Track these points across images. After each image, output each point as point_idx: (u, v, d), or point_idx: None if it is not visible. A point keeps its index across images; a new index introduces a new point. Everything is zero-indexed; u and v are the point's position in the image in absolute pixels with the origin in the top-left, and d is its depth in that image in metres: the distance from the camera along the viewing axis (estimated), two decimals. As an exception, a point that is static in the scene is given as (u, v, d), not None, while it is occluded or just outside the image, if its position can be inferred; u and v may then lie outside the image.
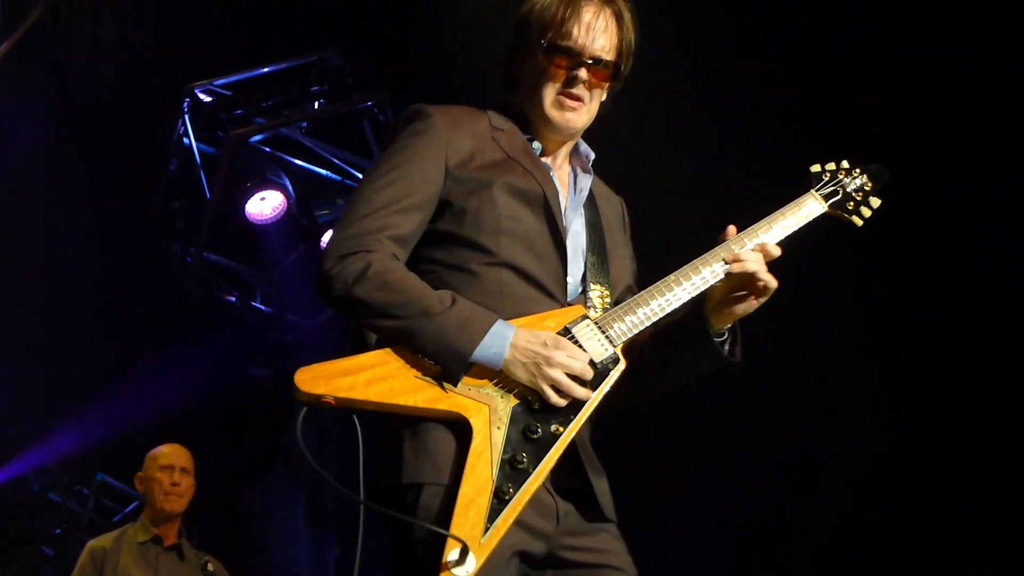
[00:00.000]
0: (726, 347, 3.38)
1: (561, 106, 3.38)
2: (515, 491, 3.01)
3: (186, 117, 8.16)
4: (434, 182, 3.25)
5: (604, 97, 3.47)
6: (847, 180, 3.57)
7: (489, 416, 3.07)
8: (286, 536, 9.56)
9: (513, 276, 3.22)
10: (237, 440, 9.28)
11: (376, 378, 3.07)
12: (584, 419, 3.13)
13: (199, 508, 6.84)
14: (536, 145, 3.44)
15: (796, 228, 3.42)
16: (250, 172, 8.28)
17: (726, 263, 3.28)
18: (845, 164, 3.60)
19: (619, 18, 3.42)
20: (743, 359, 3.40)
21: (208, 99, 8.21)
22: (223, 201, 8.27)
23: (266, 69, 8.30)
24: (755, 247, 3.31)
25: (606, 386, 3.17)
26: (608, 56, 3.39)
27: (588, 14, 3.39)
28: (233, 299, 8.98)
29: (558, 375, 3.08)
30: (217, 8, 8.03)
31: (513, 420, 3.08)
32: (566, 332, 3.18)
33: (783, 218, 3.42)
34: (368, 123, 8.70)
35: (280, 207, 8.36)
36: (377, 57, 8.48)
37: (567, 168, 3.52)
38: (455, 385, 3.08)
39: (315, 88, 8.44)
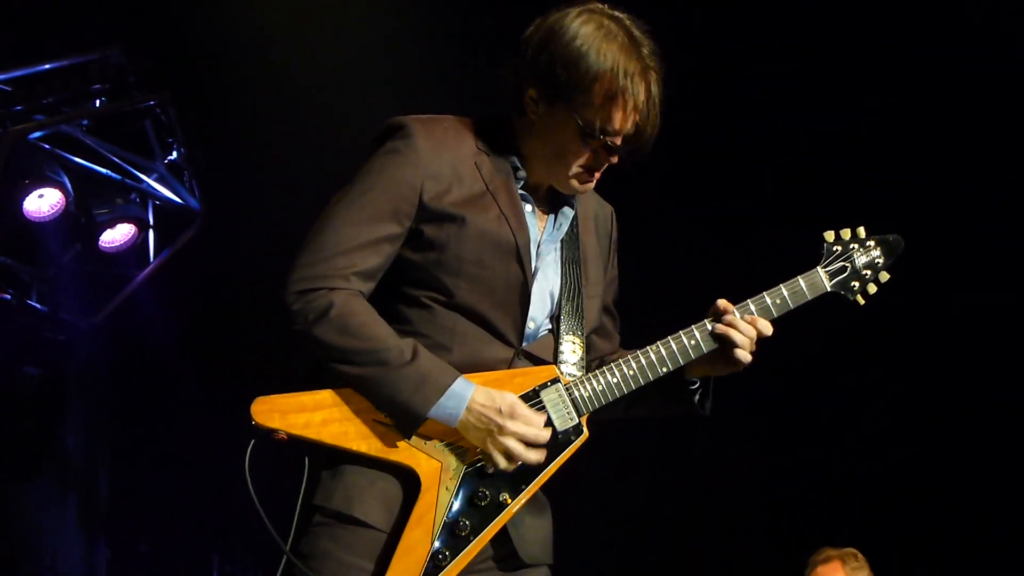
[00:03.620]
0: (697, 397, 3.38)
1: (580, 180, 3.25)
2: (451, 558, 2.98)
3: (-36, 112, 7.97)
4: (406, 214, 3.14)
5: None
6: (858, 254, 3.46)
7: (440, 475, 3.02)
8: (56, 538, 9.38)
9: (466, 320, 3.12)
10: (7, 440, 9.08)
11: (332, 419, 3.02)
12: (535, 491, 3.08)
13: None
14: (521, 175, 3.29)
15: (794, 307, 3.34)
16: (28, 169, 8.11)
17: (715, 331, 3.22)
18: (861, 233, 3.49)
19: (660, 101, 3.22)
20: (710, 415, 3.38)
21: (-14, 94, 8.05)
22: (0, 198, 8.11)
23: (47, 66, 8.12)
24: (749, 320, 3.24)
25: (563, 458, 3.11)
26: (638, 134, 3.21)
27: (639, 99, 3.16)
28: (8, 297, 8.80)
29: (511, 443, 3.00)
30: (-3, 2, 7.88)
31: (463, 482, 3.03)
32: (534, 394, 3.13)
33: (784, 294, 3.33)
34: (150, 122, 8.64)
35: (58, 205, 8.22)
36: (160, 57, 8.43)
37: (550, 196, 3.38)
38: (408, 439, 3.01)
39: (97, 86, 8.33)
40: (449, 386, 3.01)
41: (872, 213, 3.67)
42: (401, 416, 3.01)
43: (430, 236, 3.14)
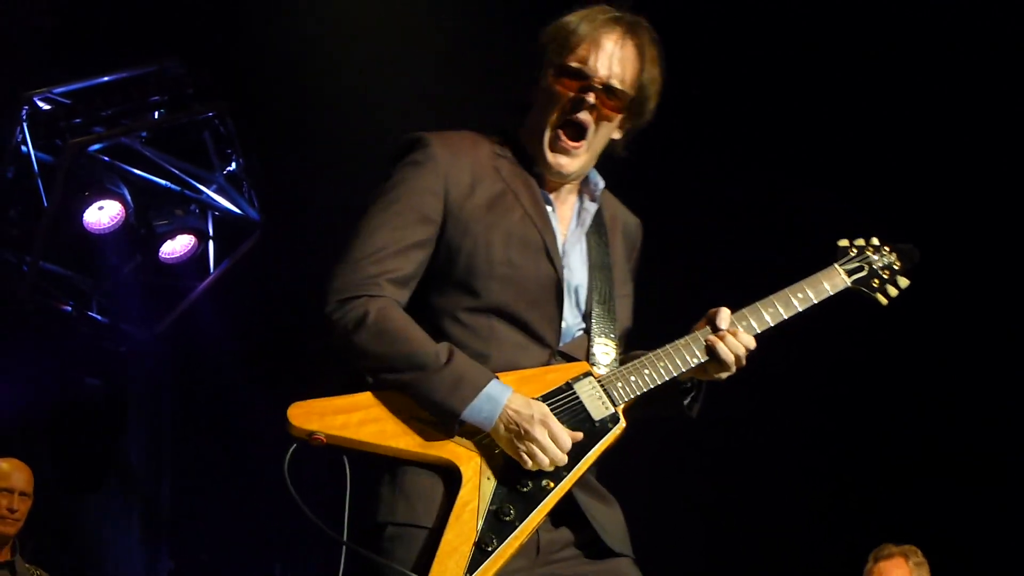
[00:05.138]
0: (687, 399, 3.38)
1: (554, 146, 3.26)
2: (498, 543, 2.97)
3: (24, 125, 8.02)
4: (432, 221, 3.17)
5: (615, 134, 3.34)
6: (875, 257, 3.49)
7: (480, 466, 3.04)
8: (119, 549, 9.44)
9: (502, 322, 3.16)
10: (69, 451, 9.15)
11: (369, 419, 3.04)
12: (577, 477, 3.08)
13: (31, 521, 6.76)
14: (537, 171, 3.31)
15: (816, 302, 3.34)
16: (88, 181, 8.19)
17: (708, 341, 3.24)
18: (875, 241, 3.51)
19: (641, 51, 3.27)
20: (697, 418, 3.38)
21: (47, 107, 8.10)
22: (60, 210, 8.17)
23: (106, 78, 8.21)
24: (741, 337, 3.24)
25: (603, 446, 3.12)
26: (621, 85, 3.23)
27: (608, 41, 3.23)
28: (69, 308, 8.87)
29: (537, 453, 3.01)
30: (57, 16, 7.93)
31: (504, 472, 3.04)
32: (567, 387, 3.15)
33: (802, 291, 3.35)
34: (208, 134, 8.69)
35: (118, 217, 8.30)
36: (218, 68, 8.47)
37: (573, 198, 3.40)
38: (449, 435, 3.03)
39: (155, 98, 8.39)
40: (484, 386, 3.03)
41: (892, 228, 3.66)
42: (440, 417, 3.04)
43: (457, 243, 3.17)
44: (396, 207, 3.17)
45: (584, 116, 3.24)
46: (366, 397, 3.08)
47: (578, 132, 3.26)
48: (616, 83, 3.23)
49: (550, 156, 3.27)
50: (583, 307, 3.29)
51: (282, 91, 8.41)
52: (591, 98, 3.22)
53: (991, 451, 7.04)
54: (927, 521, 6.94)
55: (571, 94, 3.23)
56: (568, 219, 3.37)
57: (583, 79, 3.22)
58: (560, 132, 3.25)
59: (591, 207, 3.38)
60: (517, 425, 3.01)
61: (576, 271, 3.30)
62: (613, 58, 3.22)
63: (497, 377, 3.07)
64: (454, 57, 7.74)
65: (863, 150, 7.08)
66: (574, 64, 3.21)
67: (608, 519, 3.22)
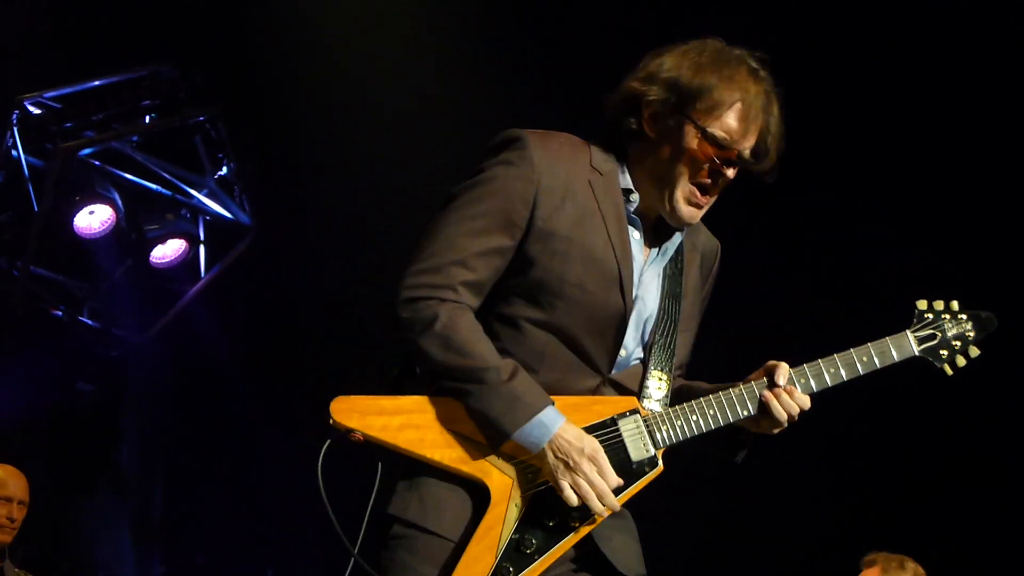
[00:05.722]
0: (734, 449, 3.36)
1: (690, 202, 3.20)
2: (515, 573, 2.97)
3: (14, 129, 8.01)
4: (517, 227, 3.11)
5: None
6: (949, 325, 3.41)
7: (510, 491, 3.02)
8: (111, 553, 9.42)
9: (558, 342, 3.12)
10: (62, 456, 9.14)
11: (410, 424, 3.03)
12: (604, 518, 3.05)
13: (23, 525, 6.75)
14: (633, 198, 3.23)
15: (879, 367, 3.30)
16: (79, 185, 8.18)
17: (763, 397, 3.21)
18: (954, 306, 3.44)
19: (778, 123, 3.20)
20: (741, 464, 3.37)
21: (37, 111, 8.09)
22: (51, 214, 8.16)
23: (97, 82, 8.21)
24: (797, 397, 3.21)
25: (636, 488, 3.10)
26: (759, 163, 3.19)
27: (752, 106, 3.15)
28: (60, 313, 8.86)
29: (582, 484, 2.99)
30: (48, 20, 7.93)
31: (533, 501, 3.03)
32: (612, 423, 3.12)
33: (867, 355, 3.30)
34: (200, 138, 8.69)
35: (109, 221, 8.29)
36: (210, 72, 8.47)
37: (660, 224, 3.32)
38: (491, 451, 3.02)
39: (147, 102, 8.38)
40: (538, 413, 3.00)
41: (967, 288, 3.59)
42: (489, 433, 3.02)
43: (536, 253, 3.12)
44: (482, 207, 3.11)
45: (720, 186, 3.21)
46: (411, 402, 3.07)
47: (709, 191, 3.22)
48: (751, 155, 3.19)
49: (684, 209, 3.20)
50: (646, 339, 3.26)
51: (273, 96, 8.42)
52: (730, 172, 3.19)
53: (993, 453, 7.02)
54: (937, 528, 6.92)
55: (713, 163, 3.17)
56: (650, 247, 3.31)
57: (727, 151, 3.16)
58: (694, 188, 3.19)
59: (676, 238, 3.33)
60: (567, 455, 2.99)
61: (648, 302, 3.26)
62: (756, 130, 3.17)
63: (553, 403, 3.04)
64: (447, 62, 7.74)
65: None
66: (720, 134, 3.14)
67: (623, 544, 3.21)
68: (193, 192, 8.80)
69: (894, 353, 3.33)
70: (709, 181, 3.19)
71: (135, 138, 8.50)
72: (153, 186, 8.67)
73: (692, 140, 3.15)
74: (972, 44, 6.67)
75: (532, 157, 3.13)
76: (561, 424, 3.01)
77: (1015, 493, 6.90)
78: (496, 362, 3.02)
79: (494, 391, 2.99)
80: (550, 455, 2.99)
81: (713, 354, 3.59)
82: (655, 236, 3.32)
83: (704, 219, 3.33)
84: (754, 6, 6.69)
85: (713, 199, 3.24)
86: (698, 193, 3.19)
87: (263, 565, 9.30)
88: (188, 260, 8.77)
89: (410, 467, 3.06)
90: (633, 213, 3.25)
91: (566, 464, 2.99)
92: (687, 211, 3.21)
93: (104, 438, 9.46)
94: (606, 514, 3.04)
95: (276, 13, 8.06)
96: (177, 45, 8.39)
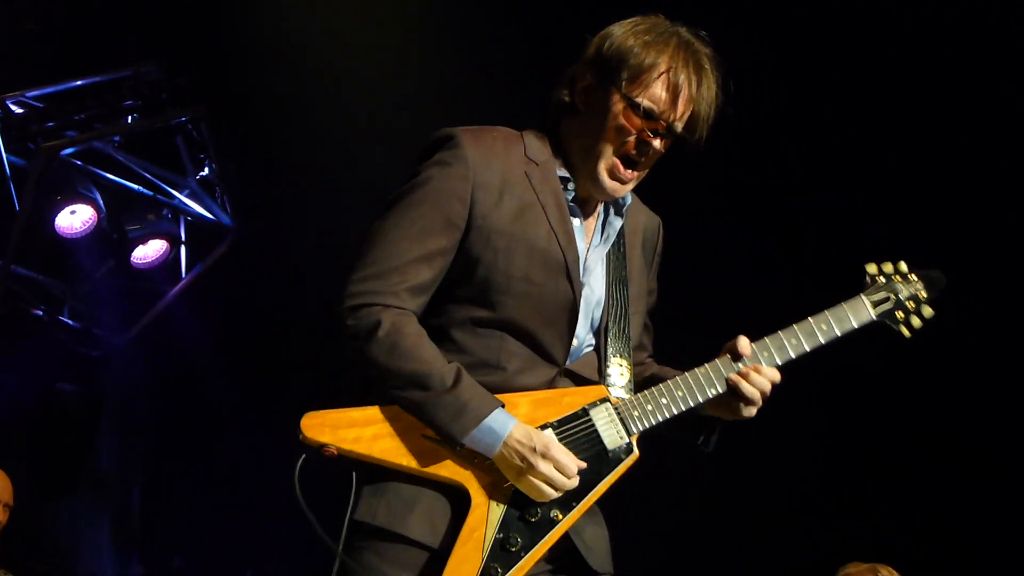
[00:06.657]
0: (702, 435, 3.36)
1: (612, 175, 3.18)
2: (503, 573, 2.96)
3: (-4, 128, 8.03)
4: (456, 227, 3.11)
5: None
6: (901, 286, 3.44)
7: (490, 491, 3.02)
8: (90, 554, 9.41)
9: (513, 338, 3.11)
10: (42, 456, 9.12)
11: (382, 434, 3.01)
12: (587, 507, 3.07)
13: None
14: (571, 187, 3.23)
15: (839, 335, 3.30)
16: (60, 185, 8.17)
17: (731, 380, 3.20)
18: (903, 267, 3.47)
19: (710, 92, 3.18)
20: (711, 452, 3.35)
21: (19, 110, 8.07)
22: (32, 214, 8.15)
23: (80, 82, 8.19)
24: (765, 372, 3.21)
25: (614, 477, 3.10)
26: (689, 132, 3.18)
27: (681, 75, 3.14)
28: (40, 313, 8.84)
29: (539, 484, 2.99)
30: (31, 19, 7.92)
31: (514, 499, 3.02)
32: (584, 413, 3.12)
33: (826, 322, 3.30)
34: (182, 139, 8.69)
35: (90, 221, 8.28)
36: (193, 74, 8.47)
37: (600, 207, 3.33)
38: (465, 455, 3.00)
39: (129, 102, 8.37)
40: (486, 416, 2.99)
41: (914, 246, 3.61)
42: (443, 439, 3.01)
43: (479, 252, 3.12)
44: (420, 210, 3.11)
45: (648, 157, 3.20)
46: (380, 411, 3.05)
47: (636, 165, 3.22)
48: (683, 128, 3.19)
49: (607, 182, 3.21)
50: (596, 324, 3.26)
51: (255, 97, 8.42)
52: (658, 143, 3.18)
53: (991, 451, 7.04)
54: (929, 523, 6.95)
55: (639, 133, 3.16)
56: (592, 231, 3.32)
57: (654, 120, 3.15)
58: (618, 161, 3.19)
59: (616, 222, 3.33)
60: (521, 458, 2.98)
61: (595, 288, 3.27)
62: (686, 101, 3.16)
63: (503, 406, 3.03)
64: (427, 66, 7.75)
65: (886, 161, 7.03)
66: (647, 104, 3.14)
67: (593, 537, 3.21)
68: (175, 193, 8.80)
69: (852, 319, 3.35)
70: (635, 152, 3.18)
71: (117, 138, 8.48)
72: (135, 186, 8.66)
73: (618, 110, 3.15)
74: (972, 44, 6.70)
75: (466, 155, 3.13)
76: (511, 427, 3.00)
77: (993, 477, 6.93)
78: (441, 367, 3.01)
79: (439, 398, 2.98)
80: (505, 459, 2.99)
81: (675, 335, 3.59)
82: (596, 220, 3.33)
83: (698, 211, 3.33)
84: (754, 6, 6.70)
85: (642, 173, 3.24)
86: (621, 166, 3.19)
87: (243, 565, 9.29)
88: (169, 261, 8.77)
89: (377, 473, 3.05)
90: (572, 201, 3.24)
91: (520, 468, 2.98)
92: (610, 184, 3.21)
93: (84, 438, 9.44)
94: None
95: (259, 16, 8.06)
96: (160, 46, 8.38)
